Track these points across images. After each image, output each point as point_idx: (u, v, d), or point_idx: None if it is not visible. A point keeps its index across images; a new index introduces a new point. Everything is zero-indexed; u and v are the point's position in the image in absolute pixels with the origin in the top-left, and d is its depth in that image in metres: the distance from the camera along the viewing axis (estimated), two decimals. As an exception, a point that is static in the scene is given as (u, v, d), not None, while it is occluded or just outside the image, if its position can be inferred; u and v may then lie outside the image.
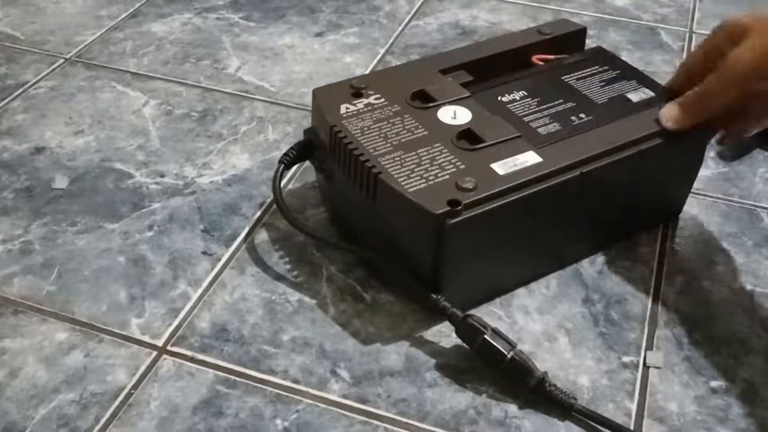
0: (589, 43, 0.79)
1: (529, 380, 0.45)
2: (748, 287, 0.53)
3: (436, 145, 0.49)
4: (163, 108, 0.70)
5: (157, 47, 0.78)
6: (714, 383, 0.47)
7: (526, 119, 0.52)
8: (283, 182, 0.61)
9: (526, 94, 0.54)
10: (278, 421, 0.45)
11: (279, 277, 0.53)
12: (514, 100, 0.54)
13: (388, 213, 0.48)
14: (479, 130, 0.50)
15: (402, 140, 0.50)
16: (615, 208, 0.54)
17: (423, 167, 0.48)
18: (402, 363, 0.48)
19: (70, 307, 0.51)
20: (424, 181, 0.47)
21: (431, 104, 0.53)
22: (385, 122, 0.51)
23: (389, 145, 0.49)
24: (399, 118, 0.52)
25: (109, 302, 0.52)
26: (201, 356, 0.48)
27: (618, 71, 0.57)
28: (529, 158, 0.48)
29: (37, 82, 0.73)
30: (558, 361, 0.48)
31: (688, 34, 0.81)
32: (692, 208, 0.60)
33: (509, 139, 0.50)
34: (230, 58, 0.76)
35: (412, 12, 0.84)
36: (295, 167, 0.63)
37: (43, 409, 0.45)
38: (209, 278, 0.53)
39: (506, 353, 0.45)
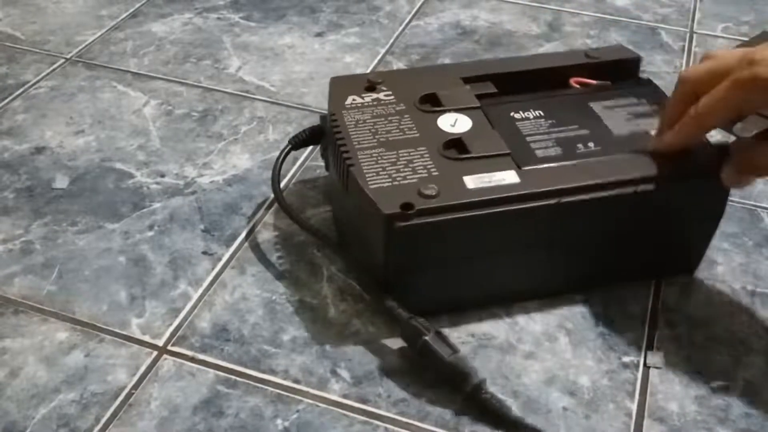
0: (589, 42, 0.79)
1: (465, 386, 0.45)
2: (749, 287, 0.53)
3: (421, 148, 0.49)
4: (163, 108, 0.70)
5: (157, 47, 0.78)
6: (714, 383, 0.47)
7: (528, 138, 0.50)
8: (283, 183, 0.61)
9: (542, 114, 0.52)
10: (278, 421, 0.45)
11: (279, 277, 0.53)
12: (526, 118, 0.52)
13: (354, 206, 0.48)
14: (469, 142, 0.49)
15: (390, 138, 0.50)
16: (603, 250, 0.51)
17: (396, 167, 0.47)
18: (402, 363, 0.48)
19: (71, 307, 0.51)
20: (390, 180, 0.46)
21: (436, 109, 0.52)
22: (383, 119, 0.51)
23: (375, 140, 0.49)
24: (398, 117, 0.52)
25: (109, 302, 0.52)
26: (201, 356, 0.48)
27: (654, 107, 0.53)
28: (507, 177, 0.47)
29: (38, 81, 0.73)
30: (558, 361, 0.48)
31: (688, 34, 0.81)
32: (693, 208, 0.60)
33: (496, 155, 0.48)
34: (231, 58, 0.76)
35: (413, 12, 0.84)
36: (295, 167, 0.63)
37: (44, 409, 0.45)
38: (210, 278, 0.53)
39: (445, 357, 0.45)
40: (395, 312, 0.47)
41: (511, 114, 0.52)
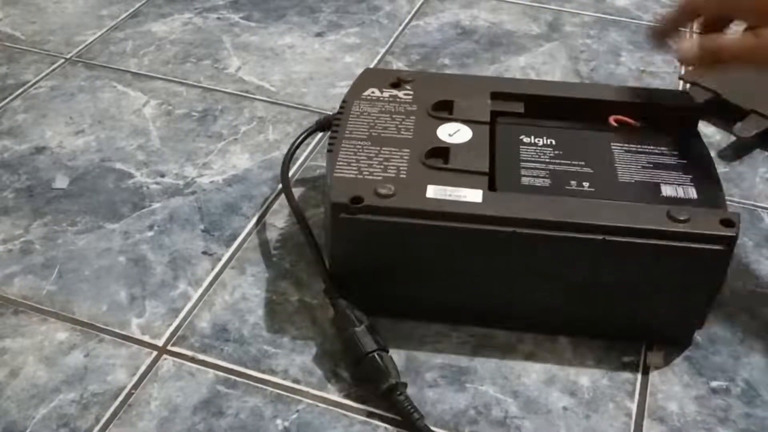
0: (589, 43, 0.79)
1: (381, 384, 0.44)
2: (749, 287, 0.53)
3: (405, 150, 0.49)
4: (163, 108, 0.70)
5: (157, 47, 0.78)
6: (714, 383, 0.47)
7: (522, 164, 0.49)
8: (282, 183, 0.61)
9: (553, 143, 0.50)
10: (278, 421, 0.45)
11: (279, 277, 0.53)
12: (533, 144, 0.50)
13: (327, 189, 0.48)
14: (454, 153, 0.48)
15: (382, 135, 0.50)
16: (568, 295, 0.47)
17: (370, 162, 0.48)
18: (402, 363, 0.48)
19: (71, 307, 0.51)
20: (357, 172, 0.47)
21: (444, 116, 0.52)
22: (387, 115, 0.52)
23: (367, 133, 0.50)
24: (402, 117, 0.52)
25: (109, 302, 0.52)
26: (201, 356, 0.48)
27: (684, 161, 0.49)
28: (471, 195, 0.45)
29: (38, 81, 0.73)
30: (558, 361, 0.48)
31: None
32: (693, 208, 0.60)
33: (473, 171, 0.47)
34: (230, 58, 0.76)
35: (413, 12, 0.84)
36: (295, 167, 0.63)
37: (44, 409, 0.45)
38: (209, 278, 0.53)
39: (366, 351, 0.45)
40: (334, 299, 0.48)
41: (521, 137, 0.51)
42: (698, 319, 0.48)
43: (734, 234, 0.43)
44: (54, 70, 0.75)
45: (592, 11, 0.85)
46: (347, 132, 0.50)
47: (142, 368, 0.48)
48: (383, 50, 0.78)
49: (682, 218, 0.44)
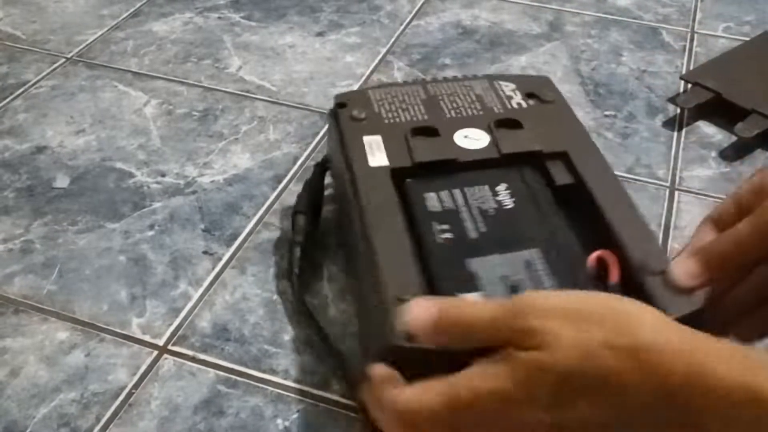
0: (590, 42, 0.79)
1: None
2: (750, 287, 0.53)
3: (424, 117, 0.51)
4: (164, 107, 0.70)
5: (158, 47, 0.78)
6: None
7: (456, 188, 0.46)
8: (282, 183, 0.61)
9: (511, 206, 0.45)
10: (279, 421, 0.45)
11: (280, 277, 0.53)
12: (495, 192, 0.46)
13: None
14: (429, 141, 0.49)
15: (440, 102, 0.53)
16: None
17: (399, 102, 0.52)
18: (403, 363, 0.48)
19: (71, 307, 0.51)
20: (380, 98, 0.53)
21: (492, 128, 0.50)
22: (473, 101, 0.53)
23: (434, 94, 0.53)
24: (477, 109, 0.52)
25: (110, 302, 0.52)
26: (202, 356, 0.48)
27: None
28: (377, 161, 0.47)
29: (39, 81, 0.73)
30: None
31: (689, 34, 0.81)
32: (693, 207, 0.60)
33: (411, 156, 0.47)
34: (231, 57, 0.76)
35: (414, 12, 0.84)
36: (296, 167, 0.63)
37: (44, 409, 0.45)
38: (210, 278, 0.53)
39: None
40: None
41: (501, 184, 0.47)
42: None
43: None
44: (55, 69, 0.75)
45: (593, 11, 0.85)
46: (431, 84, 0.54)
47: (143, 368, 0.48)
48: (384, 50, 0.78)
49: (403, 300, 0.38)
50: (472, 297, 0.39)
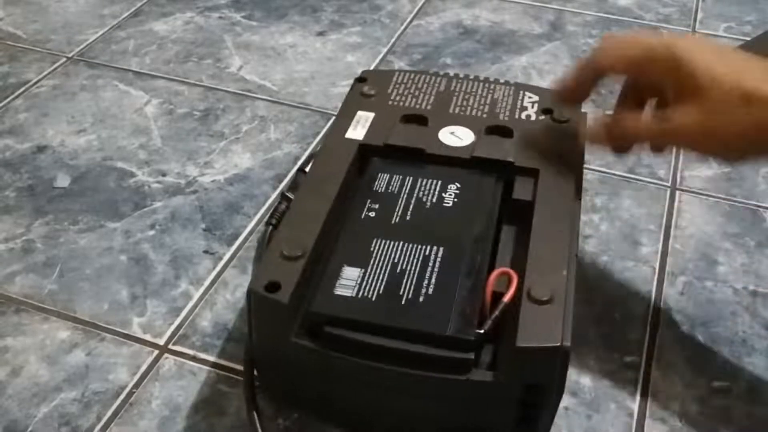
0: (591, 42, 0.79)
1: None
2: (751, 287, 0.53)
3: (425, 108, 0.52)
4: (165, 107, 0.70)
5: (159, 46, 0.78)
6: (716, 383, 0.47)
7: (409, 176, 0.47)
8: (283, 183, 0.61)
9: (450, 206, 0.45)
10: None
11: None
12: (444, 189, 0.46)
13: None
14: (412, 128, 0.50)
15: (453, 98, 0.53)
16: None
17: (415, 89, 0.53)
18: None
19: (72, 306, 0.51)
20: (405, 83, 0.54)
21: (481, 132, 0.50)
22: (483, 101, 0.53)
23: (451, 91, 0.54)
24: (483, 112, 0.52)
25: (110, 301, 0.52)
26: (203, 355, 0.48)
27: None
28: (355, 134, 0.49)
29: (40, 80, 0.73)
30: (560, 361, 0.48)
31: (690, 34, 0.81)
32: (694, 207, 0.60)
33: (384, 137, 0.49)
34: (232, 57, 0.76)
35: (414, 11, 0.84)
36: (296, 167, 0.63)
37: (45, 408, 0.45)
38: (211, 277, 0.53)
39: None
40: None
41: (454, 184, 0.47)
42: None
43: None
44: (56, 69, 0.75)
45: (594, 11, 0.85)
46: (454, 78, 0.55)
47: (144, 367, 0.48)
48: (385, 49, 0.78)
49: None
50: (350, 271, 0.41)
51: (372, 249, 0.42)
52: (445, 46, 0.78)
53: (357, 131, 0.49)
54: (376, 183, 0.47)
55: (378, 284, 0.40)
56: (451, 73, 0.56)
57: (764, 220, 0.59)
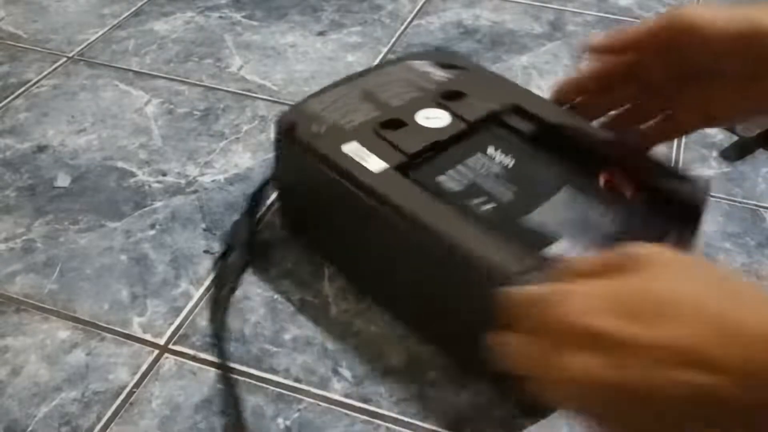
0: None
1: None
2: (751, 287, 0.53)
3: (376, 112, 0.51)
4: (165, 107, 0.70)
5: (159, 46, 0.78)
6: (716, 383, 0.47)
7: (457, 166, 0.48)
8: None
9: (510, 165, 0.48)
10: (280, 420, 0.45)
11: (281, 277, 0.53)
12: (491, 157, 0.49)
13: None
14: (403, 131, 0.50)
15: (376, 94, 0.53)
16: (420, 299, 0.47)
17: (340, 107, 0.52)
18: (404, 362, 0.48)
19: (72, 306, 0.51)
20: (320, 109, 0.52)
21: (442, 103, 0.52)
22: (402, 83, 0.55)
23: (368, 88, 0.54)
24: (411, 90, 0.54)
25: (111, 301, 0.52)
26: (203, 355, 0.48)
27: (618, 237, 0.44)
28: (373, 165, 0.47)
29: (40, 80, 0.73)
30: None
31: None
32: (695, 208, 0.60)
33: (399, 149, 0.48)
34: (232, 57, 0.76)
35: (415, 11, 0.84)
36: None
37: (45, 408, 0.45)
38: (211, 277, 0.53)
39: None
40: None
41: (488, 147, 0.50)
42: None
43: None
44: (56, 68, 0.75)
45: (595, 11, 0.85)
46: (357, 80, 0.54)
47: (144, 367, 0.48)
48: (385, 49, 0.78)
49: (521, 270, 0.40)
50: (558, 246, 0.43)
51: (533, 227, 0.45)
52: (446, 45, 0.78)
53: (372, 161, 0.47)
54: (446, 186, 0.47)
55: None
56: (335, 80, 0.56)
57: (764, 220, 0.59)
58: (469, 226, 0.44)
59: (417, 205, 0.45)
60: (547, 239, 0.43)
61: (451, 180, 0.47)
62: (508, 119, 0.52)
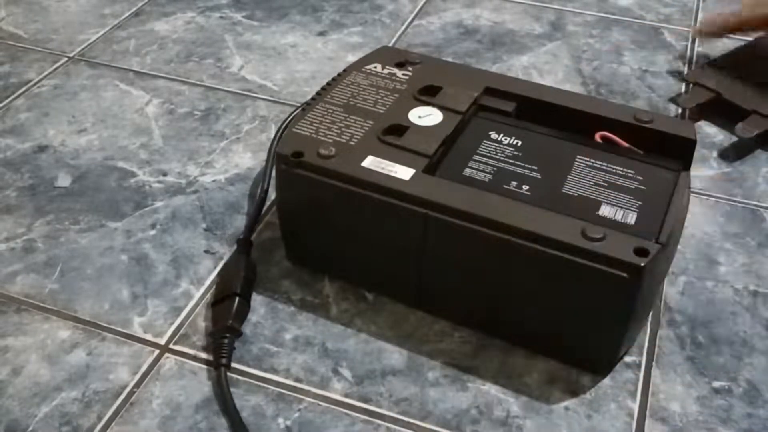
0: (592, 42, 0.79)
1: (220, 322, 0.48)
2: (751, 287, 0.53)
3: (369, 122, 0.51)
4: (165, 107, 0.70)
5: (160, 46, 0.78)
6: (716, 384, 0.47)
7: (474, 156, 0.49)
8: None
9: (519, 144, 0.50)
10: (280, 420, 0.45)
11: (281, 276, 0.53)
12: (498, 142, 0.50)
13: None
14: (409, 133, 0.50)
15: (357, 105, 0.52)
16: (476, 290, 0.47)
17: (332, 126, 0.50)
18: (404, 362, 0.48)
19: (73, 306, 0.51)
20: (313, 132, 0.50)
21: (425, 99, 0.53)
22: (374, 89, 0.54)
23: (344, 101, 0.53)
24: (387, 94, 0.53)
25: (111, 300, 0.52)
26: (203, 355, 0.48)
27: (644, 187, 0.47)
28: (402, 173, 0.46)
29: (41, 80, 0.73)
30: (560, 361, 0.48)
31: (691, 34, 0.81)
32: (695, 207, 0.60)
33: (417, 152, 0.48)
34: (233, 57, 0.76)
35: (415, 11, 0.84)
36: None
37: (46, 407, 0.45)
38: (212, 277, 0.54)
39: (233, 291, 0.49)
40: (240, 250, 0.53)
41: (490, 132, 0.51)
42: (609, 347, 0.46)
43: (643, 264, 0.41)
44: (57, 68, 0.75)
45: (595, 11, 0.85)
46: (328, 96, 0.53)
47: (144, 367, 0.48)
48: (385, 49, 0.78)
49: (595, 237, 0.42)
50: (604, 209, 0.45)
51: (572, 194, 0.47)
52: (446, 45, 0.78)
53: (400, 170, 0.47)
54: (477, 178, 0.47)
55: None
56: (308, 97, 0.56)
57: (764, 220, 0.59)
58: (530, 211, 0.44)
59: (470, 204, 0.45)
60: (593, 206, 0.45)
61: (477, 171, 0.48)
62: (489, 102, 0.54)
